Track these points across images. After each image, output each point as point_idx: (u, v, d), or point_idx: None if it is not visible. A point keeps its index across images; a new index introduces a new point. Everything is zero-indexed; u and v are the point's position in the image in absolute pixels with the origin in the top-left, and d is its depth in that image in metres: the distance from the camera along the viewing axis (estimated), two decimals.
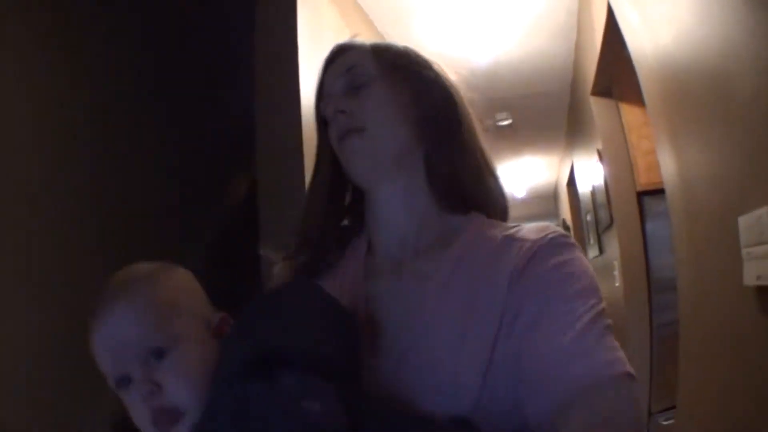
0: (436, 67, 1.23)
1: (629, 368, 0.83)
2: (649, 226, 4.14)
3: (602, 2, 3.27)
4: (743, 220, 1.65)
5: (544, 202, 12.38)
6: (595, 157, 4.79)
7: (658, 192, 3.55)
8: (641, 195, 4.13)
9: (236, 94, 3.65)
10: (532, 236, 1.00)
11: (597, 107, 4.47)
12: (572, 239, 1.02)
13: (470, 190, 1.13)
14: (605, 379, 0.81)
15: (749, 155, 1.64)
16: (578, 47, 4.92)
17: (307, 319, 0.87)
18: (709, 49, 1.83)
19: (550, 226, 1.04)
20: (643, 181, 4.06)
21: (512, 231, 1.05)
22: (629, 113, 4.18)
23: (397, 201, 1.12)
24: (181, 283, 0.97)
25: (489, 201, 1.15)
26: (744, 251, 1.65)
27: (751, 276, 1.61)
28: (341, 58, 1.16)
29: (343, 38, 3.42)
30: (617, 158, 4.26)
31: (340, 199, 1.21)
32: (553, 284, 0.92)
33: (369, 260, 1.12)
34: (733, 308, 1.89)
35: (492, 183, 1.16)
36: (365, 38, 1.23)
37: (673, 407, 3.09)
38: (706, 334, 2.30)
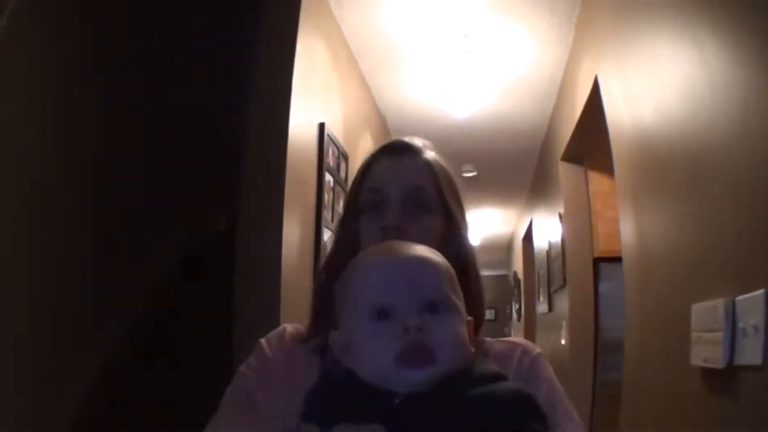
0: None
1: None
2: (602, 286, 4.28)
3: (589, 74, 3.44)
4: (696, 308, 1.77)
5: (498, 252, 12.60)
6: (556, 219, 4.94)
7: (616, 259, 3.67)
8: (598, 260, 4.27)
9: (225, 125, 3.74)
10: (524, 347, 1.17)
11: (565, 172, 4.64)
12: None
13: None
14: None
15: (711, 246, 1.76)
16: (555, 113, 5.11)
17: None
18: (688, 135, 1.93)
19: (522, 341, 1.20)
20: (603, 247, 4.20)
21: (490, 344, 1.18)
22: (597, 182, 4.35)
23: None
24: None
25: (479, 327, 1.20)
26: (694, 335, 1.78)
27: (698, 357, 1.74)
28: (406, 160, 1.22)
29: (329, 80, 3.52)
30: (579, 223, 4.42)
31: None
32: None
33: None
34: (677, 383, 2.01)
35: (483, 314, 1.22)
36: (418, 139, 1.28)
37: None
38: (648, 403, 2.42)
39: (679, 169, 2.05)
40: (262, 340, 1.22)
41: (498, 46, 4.22)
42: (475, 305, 1.15)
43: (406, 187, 1.18)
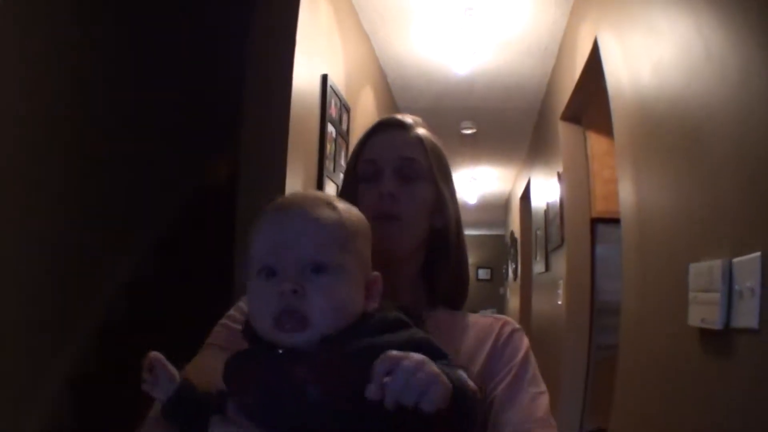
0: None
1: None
2: (599, 249, 4.29)
3: (589, 34, 3.41)
4: (694, 268, 1.78)
5: (495, 211, 12.57)
6: (555, 178, 4.94)
7: (612, 221, 3.68)
8: (595, 221, 4.27)
9: (228, 76, 3.71)
10: (506, 321, 1.25)
11: (564, 131, 4.62)
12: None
13: (448, 290, 1.32)
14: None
15: (709, 208, 1.76)
16: (555, 72, 5.08)
17: None
18: (688, 100, 1.93)
19: (505, 317, 1.28)
20: (600, 208, 4.21)
21: (474, 318, 1.28)
22: (595, 141, 4.33)
23: (407, 283, 1.27)
24: (364, 230, 1.04)
25: (459, 298, 1.35)
26: (691, 294, 1.78)
27: (695, 318, 1.75)
28: (399, 134, 1.32)
29: (331, 33, 3.50)
30: (577, 183, 4.41)
31: None
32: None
33: None
34: (674, 344, 2.03)
35: (465, 286, 1.36)
36: (411, 116, 1.37)
37: (604, 430, 3.23)
38: (645, 363, 2.44)
39: (678, 131, 2.05)
40: (243, 300, 1.28)
41: (499, 3, 4.17)
42: (455, 270, 1.32)
43: (399, 158, 1.28)
